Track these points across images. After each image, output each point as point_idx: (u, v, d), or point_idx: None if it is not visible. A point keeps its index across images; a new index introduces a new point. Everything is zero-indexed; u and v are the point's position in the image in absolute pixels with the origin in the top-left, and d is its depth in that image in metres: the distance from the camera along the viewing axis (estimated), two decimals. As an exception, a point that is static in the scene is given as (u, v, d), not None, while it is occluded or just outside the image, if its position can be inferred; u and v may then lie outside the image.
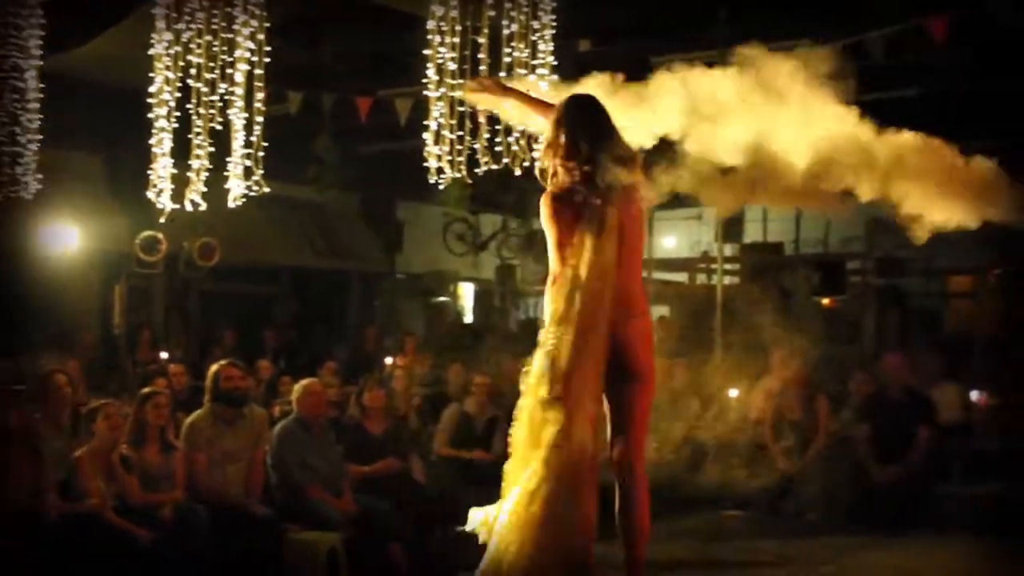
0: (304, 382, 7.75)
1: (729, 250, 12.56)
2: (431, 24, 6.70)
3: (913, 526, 8.15)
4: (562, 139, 4.23)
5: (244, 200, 7.46)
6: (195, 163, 7.13)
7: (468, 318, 16.12)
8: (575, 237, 4.13)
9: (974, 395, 9.16)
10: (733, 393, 9.67)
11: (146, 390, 7.30)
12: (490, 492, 4.49)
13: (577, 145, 4.20)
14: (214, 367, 7.31)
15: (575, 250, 4.12)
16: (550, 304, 4.14)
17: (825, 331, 9.65)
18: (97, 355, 10.96)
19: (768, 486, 9.01)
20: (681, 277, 15.13)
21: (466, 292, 16.67)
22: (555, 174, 4.26)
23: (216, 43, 6.80)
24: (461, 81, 6.62)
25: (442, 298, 15.85)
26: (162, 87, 6.93)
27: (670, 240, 16.27)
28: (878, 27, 6.68)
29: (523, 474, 4.19)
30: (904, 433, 8.74)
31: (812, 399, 9.29)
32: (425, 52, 6.77)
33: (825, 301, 12.93)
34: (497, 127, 6.84)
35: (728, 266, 10.89)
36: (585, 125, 4.23)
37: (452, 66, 6.70)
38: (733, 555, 7.14)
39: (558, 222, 4.15)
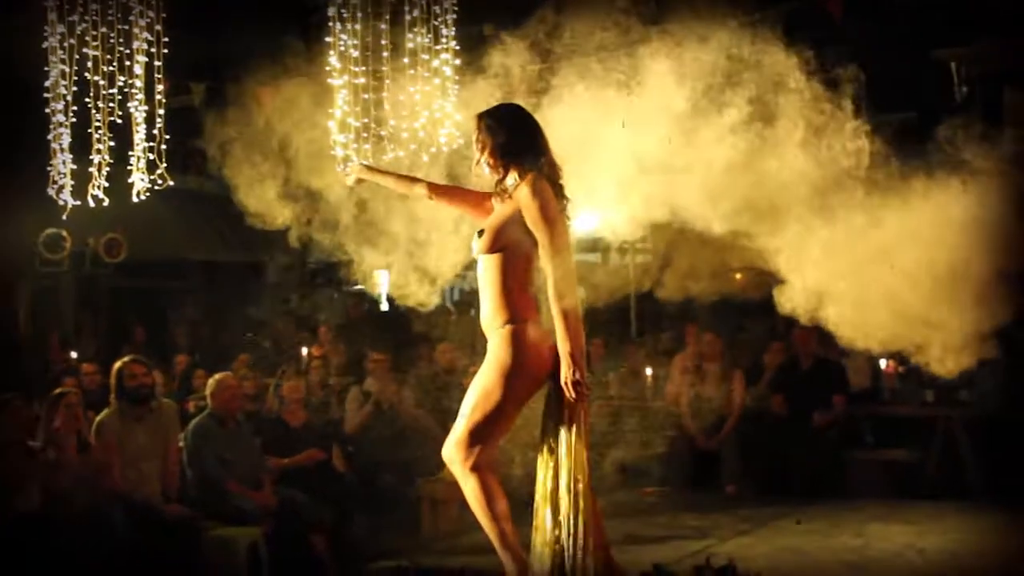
0: (217, 376, 7.67)
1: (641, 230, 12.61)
2: (332, 11, 6.65)
3: (827, 492, 8.35)
4: (522, 138, 4.45)
5: (149, 194, 7.32)
6: (96, 158, 6.97)
7: (384, 306, 16.03)
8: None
9: (883, 363, 9.37)
10: (648, 371, 9.79)
11: (56, 391, 7.18)
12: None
13: (537, 143, 4.44)
14: (117, 364, 7.23)
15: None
16: (563, 281, 4.24)
17: (737, 306, 9.79)
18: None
19: (686, 461, 9.16)
20: (594, 258, 15.20)
21: (381, 280, 16.54)
22: (506, 173, 4.44)
23: (113, 35, 6.65)
24: (364, 68, 6.60)
25: (357, 287, 15.73)
26: (58, 80, 6.77)
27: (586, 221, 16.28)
28: (775, 4, 6.79)
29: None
30: (817, 402, 8.94)
31: (727, 374, 9.43)
32: (327, 39, 6.71)
33: (737, 276, 13.09)
34: (404, 113, 6.82)
35: (640, 245, 10.98)
36: (535, 127, 4.52)
37: (355, 53, 6.65)
38: (654, 531, 7.22)
39: (554, 202, 4.35)
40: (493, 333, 4.45)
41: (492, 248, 4.43)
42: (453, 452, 4.46)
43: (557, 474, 4.38)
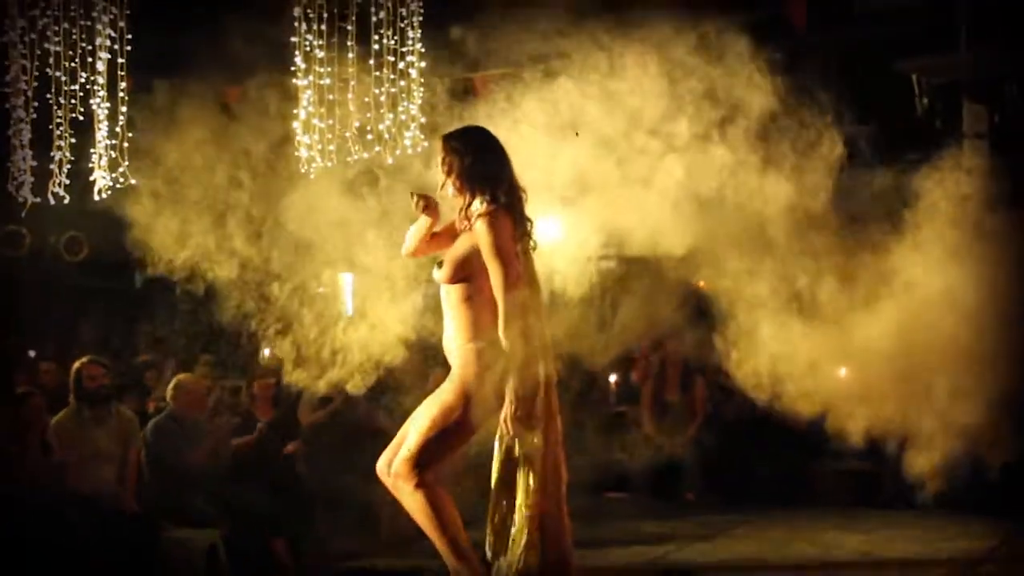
0: (179, 377, 7.62)
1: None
2: (298, 11, 6.62)
3: (788, 502, 8.41)
4: (487, 163, 4.42)
5: (111, 192, 7.25)
6: (56, 155, 6.91)
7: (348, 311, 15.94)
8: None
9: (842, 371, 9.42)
10: (612, 378, 9.83)
11: (20, 390, 7.12)
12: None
13: (503, 169, 4.43)
14: (76, 365, 7.15)
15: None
16: (512, 318, 4.22)
17: (699, 312, 9.82)
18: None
19: (648, 467, 9.19)
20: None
21: (345, 283, 16.46)
22: (472, 198, 4.41)
23: (75, 31, 6.59)
24: (329, 69, 6.58)
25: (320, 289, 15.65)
26: (18, 75, 6.70)
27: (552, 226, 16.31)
28: (738, 14, 6.82)
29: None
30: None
31: (690, 380, 9.47)
32: (292, 39, 6.68)
33: (701, 283, 13.15)
34: (368, 115, 6.80)
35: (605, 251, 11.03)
36: (501, 151, 4.49)
37: (320, 53, 6.63)
38: (615, 535, 7.25)
39: (510, 237, 4.31)
40: (456, 352, 4.42)
41: (452, 279, 4.42)
42: (401, 468, 4.39)
43: (511, 501, 4.38)
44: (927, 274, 5.29)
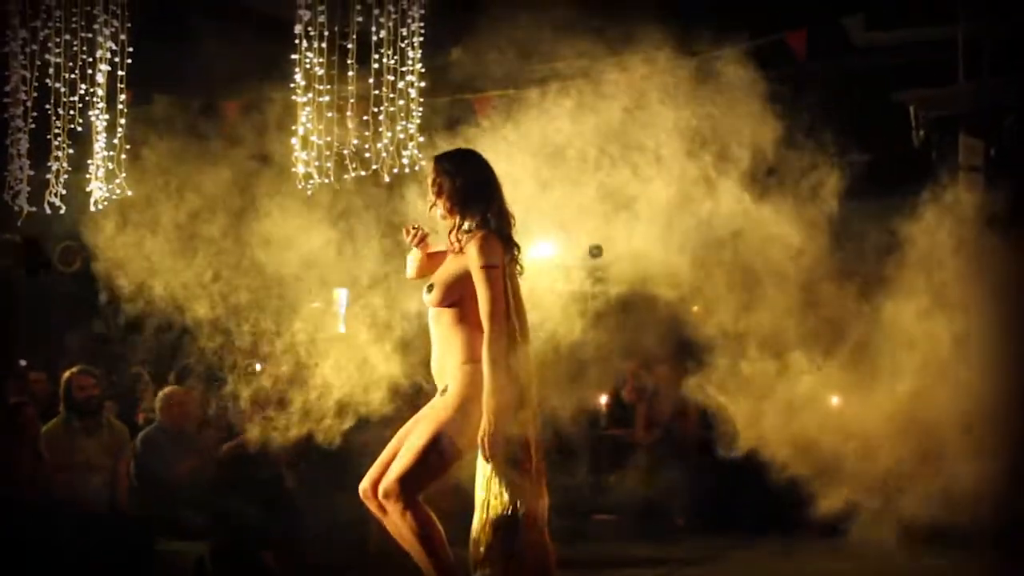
0: (167, 390, 7.60)
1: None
2: (299, 28, 6.64)
3: (776, 528, 8.39)
4: (477, 186, 4.42)
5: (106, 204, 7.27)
6: (54, 165, 6.93)
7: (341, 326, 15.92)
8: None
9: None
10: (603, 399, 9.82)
11: (13, 400, 7.12)
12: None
13: (493, 192, 4.43)
14: (66, 375, 7.16)
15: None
16: (497, 339, 4.23)
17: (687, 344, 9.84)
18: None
19: (637, 489, 9.17)
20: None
21: (340, 298, 16.45)
22: (462, 220, 4.41)
23: (76, 43, 6.62)
24: (329, 87, 6.60)
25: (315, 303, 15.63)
26: (18, 85, 6.72)
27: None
28: (739, 41, 6.87)
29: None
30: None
31: (683, 405, 9.46)
32: (293, 56, 6.71)
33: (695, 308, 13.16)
34: (366, 133, 6.82)
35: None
36: (491, 174, 4.50)
37: (320, 71, 6.65)
38: (604, 558, 7.24)
39: (500, 261, 4.31)
40: (451, 373, 4.39)
41: (443, 303, 4.41)
42: (392, 488, 4.35)
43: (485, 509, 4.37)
44: (917, 316, 5.29)
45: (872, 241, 5.71)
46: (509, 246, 4.42)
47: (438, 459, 4.35)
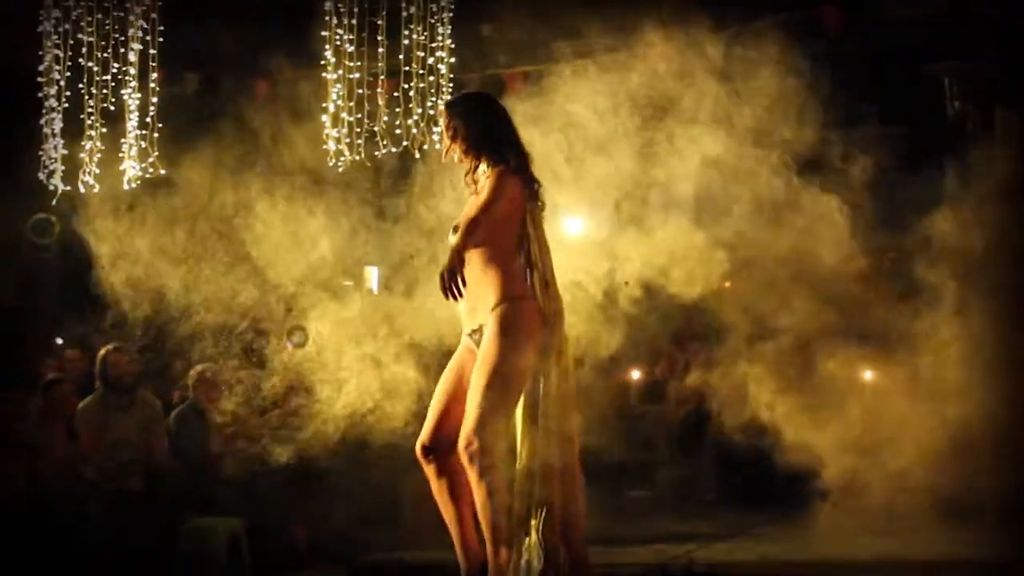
0: (198, 367, 7.62)
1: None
2: (328, 5, 6.64)
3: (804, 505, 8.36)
4: (490, 128, 4.37)
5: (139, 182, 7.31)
6: (87, 144, 6.97)
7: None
8: (523, 213, 4.30)
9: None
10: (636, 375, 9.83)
11: (49, 376, 7.18)
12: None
13: (507, 132, 4.39)
14: (101, 352, 7.20)
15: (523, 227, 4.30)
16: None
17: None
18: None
19: (670, 465, 9.18)
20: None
21: (372, 276, 16.49)
22: (477, 163, 4.37)
23: (108, 22, 6.65)
24: (359, 63, 6.61)
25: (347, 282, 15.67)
26: (51, 65, 6.76)
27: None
28: (772, 14, 6.80)
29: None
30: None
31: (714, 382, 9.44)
32: (323, 33, 6.71)
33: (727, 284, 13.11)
34: (397, 109, 6.83)
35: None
36: (504, 116, 4.47)
37: (350, 48, 6.65)
38: (636, 533, 7.23)
39: (513, 199, 4.27)
40: (492, 314, 4.27)
41: (466, 245, 4.29)
42: (473, 442, 4.15)
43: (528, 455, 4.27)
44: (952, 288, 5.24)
45: (907, 215, 5.66)
46: (529, 183, 4.37)
47: (505, 402, 4.22)
